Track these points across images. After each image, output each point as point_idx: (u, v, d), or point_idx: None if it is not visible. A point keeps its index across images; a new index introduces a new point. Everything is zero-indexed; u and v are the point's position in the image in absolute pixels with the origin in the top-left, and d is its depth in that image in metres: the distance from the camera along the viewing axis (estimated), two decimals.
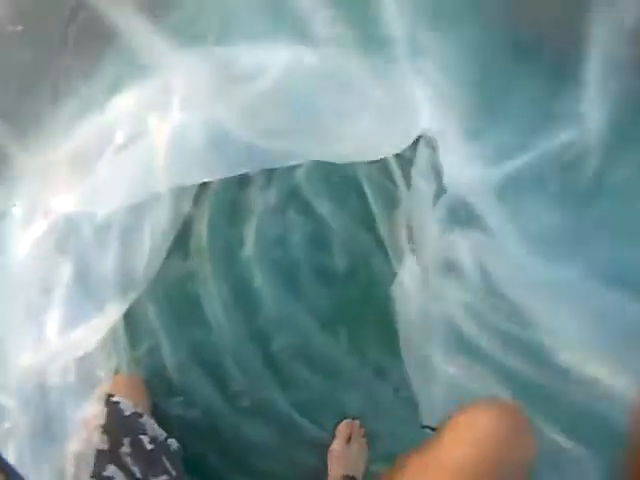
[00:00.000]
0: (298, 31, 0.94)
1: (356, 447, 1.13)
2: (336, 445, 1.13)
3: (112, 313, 1.08)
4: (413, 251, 1.17)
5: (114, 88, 1.17)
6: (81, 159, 1.17)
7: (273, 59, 1.04)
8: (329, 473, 1.11)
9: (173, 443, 0.98)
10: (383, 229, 1.22)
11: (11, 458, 1.01)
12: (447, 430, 0.75)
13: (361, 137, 1.02)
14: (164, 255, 1.17)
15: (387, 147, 1.08)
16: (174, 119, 1.14)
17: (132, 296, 1.10)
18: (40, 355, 1.08)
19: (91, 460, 0.87)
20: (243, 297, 1.19)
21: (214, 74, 1.08)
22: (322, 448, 1.14)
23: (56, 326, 1.08)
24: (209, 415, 1.16)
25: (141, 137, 1.15)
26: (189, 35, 1.06)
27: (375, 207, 1.23)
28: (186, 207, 1.22)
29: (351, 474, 1.09)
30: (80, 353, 1.08)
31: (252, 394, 1.17)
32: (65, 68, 1.14)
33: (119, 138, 1.16)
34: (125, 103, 1.19)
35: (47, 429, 1.09)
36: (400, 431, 1.15)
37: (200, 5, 1.13)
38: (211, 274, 1.19)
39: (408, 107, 0.97)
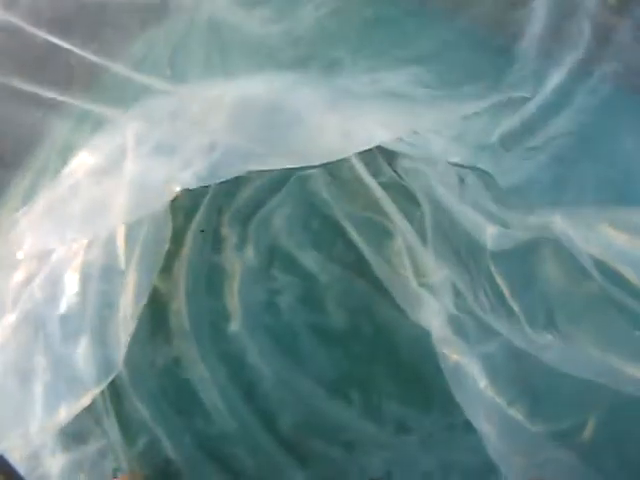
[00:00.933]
0: None
1: None
2: None
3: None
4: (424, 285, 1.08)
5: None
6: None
7: None
8: None
9: None
10: (380, 271, 1.11)
11: None
12: None
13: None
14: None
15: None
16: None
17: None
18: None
19: None
20: (239, 376, 1.09)
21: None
22: None
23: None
24: None
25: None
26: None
27: (365, 248, 1.12)
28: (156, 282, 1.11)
29: None
30: None
31: (269, 478, 1.08)
32: None
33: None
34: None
35: None
36: None
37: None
38: (199, 356, 1.09)
39: None
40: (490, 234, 1.02)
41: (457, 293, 1.06)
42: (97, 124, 1.21)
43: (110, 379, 1.06)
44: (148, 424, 1.08)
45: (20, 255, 1.12)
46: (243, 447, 1.07)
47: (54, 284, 1.10)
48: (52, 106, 1.16)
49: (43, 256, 1.13)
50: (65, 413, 1.05)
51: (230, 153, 1.05)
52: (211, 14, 1.26)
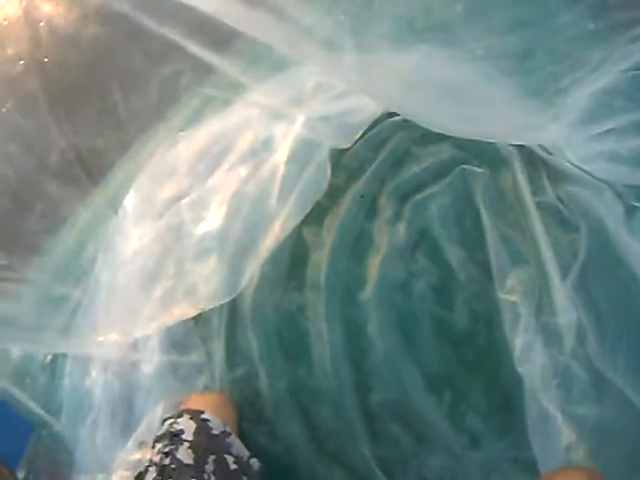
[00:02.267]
0: None
1: None
2: None
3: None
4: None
5: None
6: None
7: None
8: None
9: (255, 463, 0.95)
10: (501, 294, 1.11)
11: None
12: None
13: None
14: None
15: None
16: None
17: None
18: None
19: (173, 473, 0.83)
20: (354, 342, 1.10)
21: None
22: None
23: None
24: (292, 452, 1.09)
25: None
26: None
27: (495, 266, 1.12)
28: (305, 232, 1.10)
29: None
30: None
31: (339, 440, 1.09)
32: None
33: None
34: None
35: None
36: None
37: None
38: (324, 312, 1.10)
39: None
40: None
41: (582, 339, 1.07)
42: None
43: (223, 301, 1.07)
44: (253, 357, 1.11)
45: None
46: (329, 406, 1.10)
47: (202, 206, 1.11)
48: None
49: (198, 179, 1.12)
50: (172, 318, 1.07)
51: None
52: None
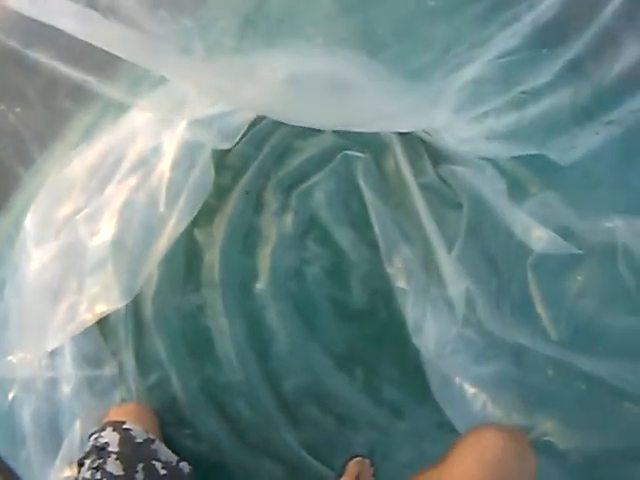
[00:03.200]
0: None
1: None
2: None
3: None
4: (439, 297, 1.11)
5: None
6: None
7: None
8: None
9: (185, 467, 0.97)
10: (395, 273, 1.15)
11: None
12: (454, 451, 0.79)
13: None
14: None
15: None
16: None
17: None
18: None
19: None
20: (256, 333, 1.14)
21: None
22: None
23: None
24: (217, 449, 1.12)
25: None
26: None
27: (383, 246, 1.16)
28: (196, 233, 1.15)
29: None
30: None
31: (261, 431, 1.12)
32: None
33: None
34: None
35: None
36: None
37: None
38: (223, 308, 1.14)
39: None
40: (538, 238, 1.06)
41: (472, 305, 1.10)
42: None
43: (121, 305, 1.12)
44: (163, 362, 1.14)
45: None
46: (244, 399, 1.13)
47: (96, 219, 1.16)
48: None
49: (93, 193, 1.18)
50: (77, 327, 1.12)
51: None
52: None
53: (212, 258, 1.16)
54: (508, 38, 1.02)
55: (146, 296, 1.14)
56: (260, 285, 1.15)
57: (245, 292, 1.15)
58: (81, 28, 0.89)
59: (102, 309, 1.11)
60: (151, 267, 1.12)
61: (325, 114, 1.13)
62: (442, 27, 1.09)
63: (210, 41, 1.02)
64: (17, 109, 1.25)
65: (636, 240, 1.07)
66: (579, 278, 1.10)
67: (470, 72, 1.07)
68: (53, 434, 1.15)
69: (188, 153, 1.17)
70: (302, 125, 1.16)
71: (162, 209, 1.14)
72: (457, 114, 1.12)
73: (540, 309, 1.08)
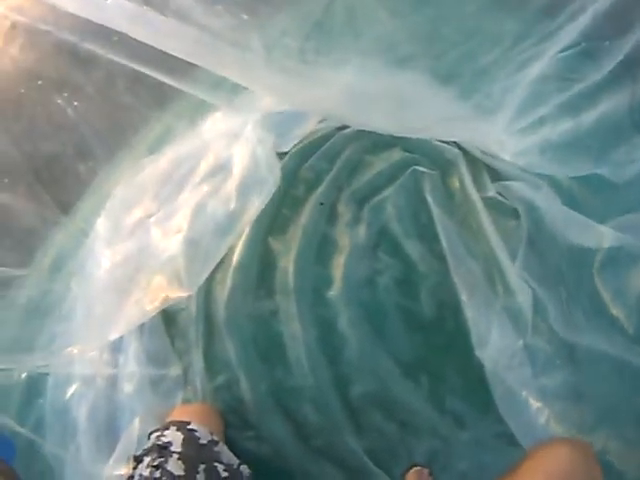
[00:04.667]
0: None
1: None
2: None
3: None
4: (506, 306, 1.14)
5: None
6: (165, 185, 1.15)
7: None
8: None
9: (245, 470, 0.96)
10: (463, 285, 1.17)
11: None
12: (523, 465, 0.79)
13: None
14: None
15: None
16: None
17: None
18: None
19: None
20: (327, 339, 1.15)
21: None
22: None
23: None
24: (280, 453, 1.12)
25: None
26: None
27: (451, 260, 1.18)
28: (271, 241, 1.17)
29: None
30: None
31: (325, 436, 1.12)
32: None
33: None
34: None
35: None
36: None
37: None
38: (296, 314, 1.15)
39: None
40: (599, 235, 1.08)
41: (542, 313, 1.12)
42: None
43: (185, 294, 1.12)
44: (232, 364, 1.15)
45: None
46: (312, 404, 1.13)
47: (168, 222, 1.17)
48: None
49: (164, 200, 1.19)
50: (143, 316, 1.13)
51: None
52: None
53: (286, 265, 1.17)
54: (572, 30, 1.04)
55: (219, 300, 1.15)
56: (333, 292, 1.17)
57: (318, 299, 1.16)
58: (135, 26, 0.89)
59: (166, 298, 1.11)
60: (218, 258, 1.13)
61: (386, 120, 1.17)
62: (510, 22, 1.12)
63: (270, 39, 1.04)
64: (75, 103, 1.25)
65: None
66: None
67: (536, 69, 1.11)
68: (109, 431, 1.14)
69: (256, 158, 1.19)
70: (362, 128, 1.19)
71: (232, 206, 1.15)
72: (516, 119, 1.17)
73: (614, 310, 1.10)
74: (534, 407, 1.09)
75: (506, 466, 0.96)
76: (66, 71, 1.21)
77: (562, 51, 1.09)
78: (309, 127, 1.25)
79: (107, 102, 1.23)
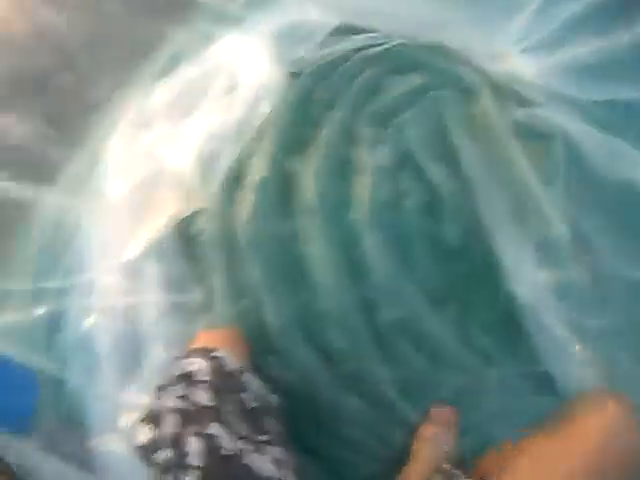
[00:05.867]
0: None
1: (444, 434, 1.06)
2: (426, 429, 1.06)
3: None
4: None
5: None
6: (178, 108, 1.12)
7: None
8: (413, 454, 1.05)
9: (274, 399, 0.93)
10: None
11: None
12: (570, 418, 0.79)
13: None
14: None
15: None
16: None
17: None
18: None
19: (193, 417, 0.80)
20: (352, 262, 1.11)
21: None
22: (412, 428, 1.08)
23: None
24: (305, 380, 1.09)
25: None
26: None
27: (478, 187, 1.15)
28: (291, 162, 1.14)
29: (435, 460, 1.06)
30: None
31: (352, 364, 1.09)
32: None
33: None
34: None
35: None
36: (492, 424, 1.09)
37: None
38: (319, 234, 1.11)
39: None
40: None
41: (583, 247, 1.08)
42: None
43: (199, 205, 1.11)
44: (255, 288, 1.11)
45: None
46: (339, 329, 1.10)
47: (179, 140, 1.13)
48: None
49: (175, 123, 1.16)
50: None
51: None
52: None
53: (308, 185, 1.14)
54: None
55: (239, 221, 1.12)
56: (356, 214, 1.13)
57: (341, 220, 1.13)
58: None
59: (179, 211, 1.09)
60: (227, 165, 1.11)
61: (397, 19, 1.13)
62: None
63: None
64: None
65: None
66: None
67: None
68: (132, 361, 1.10)
69: (267, 75, 1.16)
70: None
71: (240, 116, 1.12)
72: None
73: None
74: (572, 348, 1.06)
75: (534, 411, 0.94)
76: None
77: None
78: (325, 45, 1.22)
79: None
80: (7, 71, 1.15)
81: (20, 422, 1.04)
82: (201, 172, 1.07)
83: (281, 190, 1.14)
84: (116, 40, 1.21)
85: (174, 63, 1.21)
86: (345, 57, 1.23)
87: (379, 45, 1.26)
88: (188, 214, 1.07)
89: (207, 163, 1.08)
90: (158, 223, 1.06)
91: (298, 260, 1.12)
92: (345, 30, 1.28)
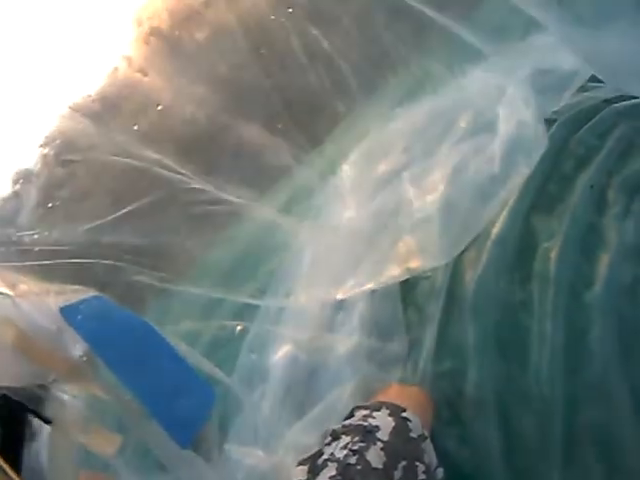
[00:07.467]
0: None
1: None
2: None
3: None
4: None
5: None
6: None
7: None
8: None
9: (440, 473, 0.85)
10: None
11: None
12: None
13: None
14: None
15: None
16: None
17: None
18: None
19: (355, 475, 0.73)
20: (573, 350, 0.99)
21: None
22: None
23: None
24: (480, 460, 0.98)
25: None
26: None
27: None
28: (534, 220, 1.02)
29: None
30: None
31: (533, 457, 0.96)
32: None
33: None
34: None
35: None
36: None
37: None
38: (549, 309, 1.00)
39: None
40: None
41: None
42: None
43: (434, 265, 1.01)
44: (465, 351, 1.01)
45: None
46: (535, 417, 0.97)
47: (424, 180, 1.03)
48: None
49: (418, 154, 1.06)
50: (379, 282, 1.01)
51: None
52: None
53: (549, 250, 1.02)
54: None
55: (468, 276, 1.01)
56: (592, 294, 1.01)
57: (575, 298, 1.01)
58: None
59: (416, 265, 0.98)
60: (478, 230, 1.00)
61: None
62: None
63: None
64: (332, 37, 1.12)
65: None
66: None
67: None
68: (304, 390, 1.01)
69: (522, 121, 1.05)
70: None
71: (497, 170, 1.01)
72: None
73: None
74: None
75: None
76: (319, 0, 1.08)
77: None
78: (576, 94, 1.10)
79: (364, 38, 1.09)
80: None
81: (190, 430, 0.96)
82: (444, 220, 0.96)
83: (519, 250, 1.02)
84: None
85: (419, 88, 1.10)
86: (595, 108, 1.10)
87: (629, 99, 1.14)
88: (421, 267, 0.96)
89: (452, 210, 0.97)
90: (389, 270, 0.95)
91: (519, 330, 1.01)
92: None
